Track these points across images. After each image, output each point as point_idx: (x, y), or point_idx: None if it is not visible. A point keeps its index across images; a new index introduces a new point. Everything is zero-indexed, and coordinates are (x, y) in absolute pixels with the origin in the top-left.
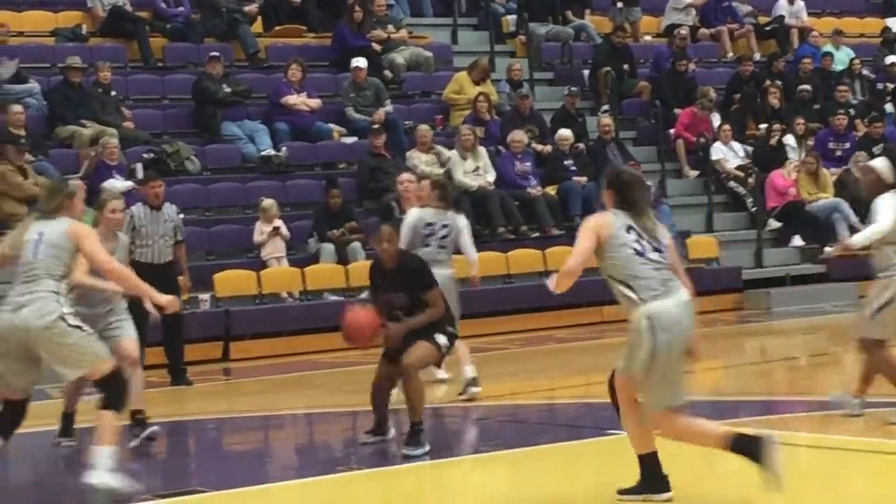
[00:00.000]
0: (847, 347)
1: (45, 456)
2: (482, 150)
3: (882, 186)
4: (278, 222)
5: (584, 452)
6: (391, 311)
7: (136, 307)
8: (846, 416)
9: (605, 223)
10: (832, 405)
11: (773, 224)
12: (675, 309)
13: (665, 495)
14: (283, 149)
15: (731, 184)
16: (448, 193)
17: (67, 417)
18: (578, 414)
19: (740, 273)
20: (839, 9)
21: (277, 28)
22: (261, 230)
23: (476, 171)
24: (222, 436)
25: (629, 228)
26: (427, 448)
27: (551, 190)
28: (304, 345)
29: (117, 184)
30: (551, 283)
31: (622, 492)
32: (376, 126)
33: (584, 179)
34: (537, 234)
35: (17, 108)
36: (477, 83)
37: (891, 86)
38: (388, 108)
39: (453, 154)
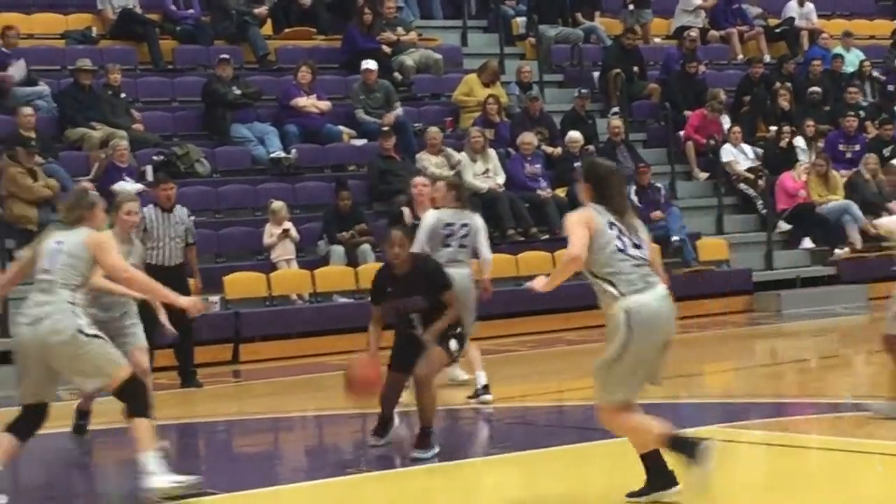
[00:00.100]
0: (859, 349)
1: (56, 458)
2: (492, 152)
3: None
4: (288, 224)
5: (593, 455)
6: (407, 316)
7: (145, 310)
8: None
9: (590, 218)
10: (879, 412)
11: (784, 226)
12: (655, 304)
13: (674, 490)
14: (293, 151)
15: (741, 186)
16: (463, 193)
17: (82, 415)
18: (588, 416)
19: (750, 275)
20: (849, 11)
21: (287, 30)
22: (270, 232)
23: (486, 174)
24: (232, 438)
25: (611, 224)
26: (437, 450)
27: (561, 192)
28: (313, 347)
29: (127, 186)
30: (538, 284)
31: (631, 495)
32: (386, 128)
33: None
34: (547, 237)
35: (28, 110)
36: (487, 85)
37: None
38: (399, 110)
39: (463, 156)
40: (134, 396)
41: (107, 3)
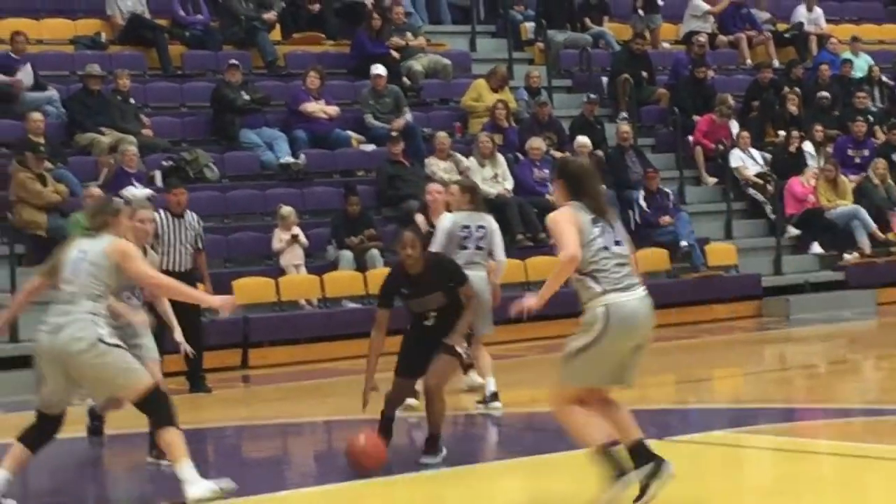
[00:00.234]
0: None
1: (66, 463)
2: (500, 157)
3: None
4: (297, 230)
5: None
6: (426, 314)
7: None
8: None
9: (575, 215)
10: None
11: (792, 231)
12: (634, 303)
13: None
14: (302, 156)
15: (750, 191)
16: (478, 196)
17: (96, 417)
18: None
19: (759, 280)
20: (858, 16)
21: (296, 36)
22: (279, 237)
23: (494, 179)
24: (241, 443)
25: (594, 221)
26: (444, 453)
27: None
28: (322, 352)
29: (136, 191)
30: (529, 302)
31: (636, 499)
32: (395, 134)
33: (602, 187)
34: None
35: (37, 115)
36: (495, 90)
37: None
38: (408, 116)
39: (471, 161)
40: (157, 408)
41: (116, 8)
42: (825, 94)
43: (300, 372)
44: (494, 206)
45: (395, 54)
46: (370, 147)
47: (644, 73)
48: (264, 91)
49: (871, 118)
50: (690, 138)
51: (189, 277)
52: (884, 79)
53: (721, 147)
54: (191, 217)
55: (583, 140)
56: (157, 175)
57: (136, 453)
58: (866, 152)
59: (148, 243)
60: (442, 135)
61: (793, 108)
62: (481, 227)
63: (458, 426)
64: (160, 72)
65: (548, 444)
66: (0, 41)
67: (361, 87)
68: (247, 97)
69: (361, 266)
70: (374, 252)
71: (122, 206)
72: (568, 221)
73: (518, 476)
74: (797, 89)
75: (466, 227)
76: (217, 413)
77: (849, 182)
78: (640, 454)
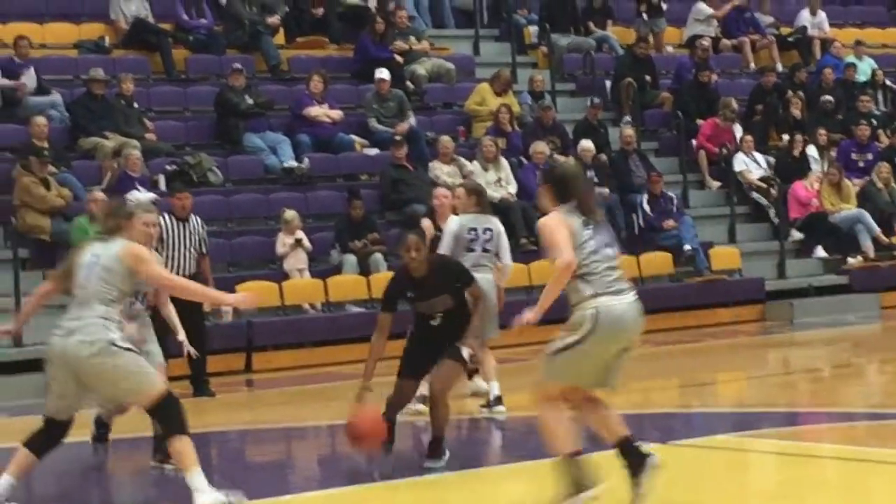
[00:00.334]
0: (872, 359)
1: (71, 468)
2: (504, 161)
3: None
4: (300, 234)
5: (606, 464)
6: (433, 316)
7: (156, 321)
8: None
9: (564, 219)
10: None
11: (796, 235)
12: (622, 307)
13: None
14: (305, 160)
15: (754, 195)
16: (484, 198)
17: (102, 425)
18: None
19: (763, 284)
20: (861, 20)
21: (299, 40)
22: (283, 241)
23: (498, 183)
24: (245, 447)
25: (585, 224)
26: (447, 456)
27: None
28: (326, 356)
29: (140, 196)
30: (527, 316)
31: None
32: (398, 138)
33: (606, 191)
34: None
35: (40, 119)
36: (499, 94)
37: None
38: (412, 120)
39: (475, 165)
40: (168, 415)
41: (119, 12)
42: (829, 97)
43: (304, 376)
44: (498, 210)
45: (398, 58)
46: (374, 151)
47: (647, 77)
48: (268, 95)
49: (874, 122)
50: (694, 142)
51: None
52: (887, 82)
53: (725, 151)
54: (195, 221)
55: (586, 144)
56: (161, 179)
57: (139, 457)
58: (870, 156)
59: (152, 247)
60: (445, 139)
61: (796, 112)
62: (488, 229)
63: (462, 430)
64: (164, 76)
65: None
66: (4, 45)
67: (365, 91)
68: (250, 101)
69: (365, 270)
70: (378, 256)
71: (135, 208)
72: (560, 226)
73: (522, 480)
74: (801, 93)
75: (473, 229)
76: (221, 417)
77: (852, 186)
78: (628, 451)
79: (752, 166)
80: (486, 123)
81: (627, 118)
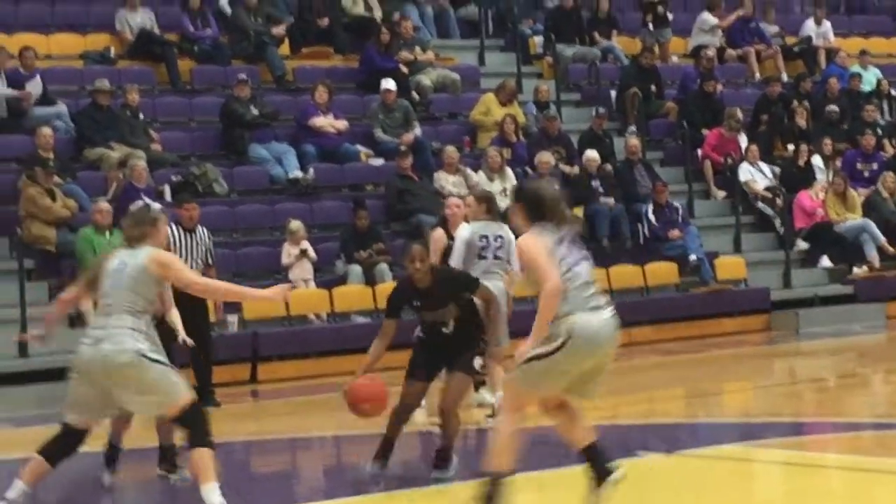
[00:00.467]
0: (877, 368)
1: (79, 478)
2: (509, 171)
3: None
4: (306, 244)
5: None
6: (441, 325)
7: (161, 329)
8: None
9: (542, 240)
10: None
11: (801, 245)
12: (598, 324)
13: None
14: (311, 170)
15: (759, 204)
16: (494, 206)
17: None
18: (606, 436)
19: (768, 294)
20: (866, 29)
21: (305, 50)
22: (288, 252)
23: (503, 193)
24: (250, 458)
25: (559, 241)
26: (454, 463)
27: (578, 211)
28: (331, 366)
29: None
30: (523, 349)
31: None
32: (403, 148)
33: (611, 201)
34: None
35: (46, 130)
36: (504, 105)
37: None
38: (417, 130)
39: (480, 175)
40: (195, 424)
41: (125, 23)
42: (834, 107)
43: (309, 386)
44: (503, 220)
45: (403, 69)
46: (379, 161)
47: (653, 87)
48: (273, 105)
49: (879, 131)
50: (699, 152)
51: None
52: (892, 92)
53: (730, 161)
54: (202, 232)
55: (591, 154)
56: (167, 190)
57: (145, 467)
58: (875, 166)
59: None
60: (451, 149)
61: (801, 122)
62: (499, 236)
63: (468, 440)
64: (169, 87)
65: (555, 459)
66: (10, 56)
67: (370, 102)
68: (256, 112)
69: (370, 280)
70: (383, 266)
71: (161, 213)
72: (539, 247)
73: (526, 490)
74: (806, 103)
75: (484, 236)
76: (226, 427)
77: (858, 196)
78: (593, 459)
79: (757, 176)
80: (491, 134)
81: (633, 128)
